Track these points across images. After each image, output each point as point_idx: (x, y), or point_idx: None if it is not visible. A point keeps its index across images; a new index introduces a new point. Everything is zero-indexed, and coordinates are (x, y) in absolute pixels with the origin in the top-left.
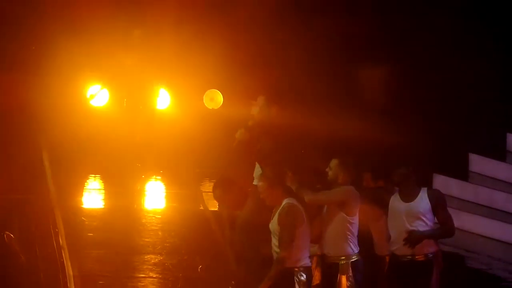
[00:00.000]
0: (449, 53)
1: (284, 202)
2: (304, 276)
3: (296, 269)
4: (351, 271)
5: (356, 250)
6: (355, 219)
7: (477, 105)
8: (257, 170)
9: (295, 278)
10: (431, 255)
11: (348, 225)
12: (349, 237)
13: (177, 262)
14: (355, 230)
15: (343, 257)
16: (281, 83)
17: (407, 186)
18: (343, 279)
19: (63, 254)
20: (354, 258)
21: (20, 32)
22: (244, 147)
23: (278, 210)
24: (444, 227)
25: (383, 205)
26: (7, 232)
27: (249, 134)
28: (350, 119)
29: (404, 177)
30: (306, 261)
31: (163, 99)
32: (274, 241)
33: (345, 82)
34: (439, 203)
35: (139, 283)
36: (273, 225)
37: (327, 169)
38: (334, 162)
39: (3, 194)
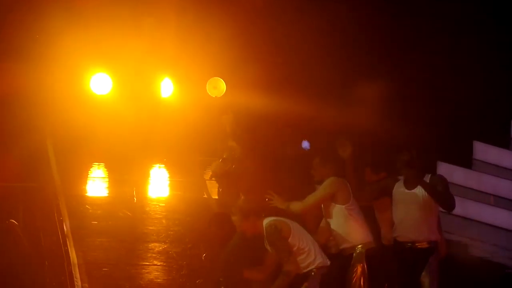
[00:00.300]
0: (454, 40)
1: (264, 224)
2: (319, 276)
3: (314, 271)
4: (365, 261)
5: (369, 237)
6: (353, 205)
7: (481, 93)
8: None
9: (310, 279)
10: (433, 243)
11: (348, 212)
12: (354, 224)
13: (181, 251)
14: (358, 216)
15: (360, 245)
16: (283, 71)
17: (410, 173)
18: (357, 267)
19: (68, 242)
20: (370, 246)
21: (24, 20)
22: (220, 179)
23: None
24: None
25: (388, 194)
26: (12, 220)
27: (224, 166)
28: (353, 110)
29: (407, 164)
30: (319, 261)
31: (167, 87)
32: None
33: (348, 72)
34: (439, 186)
35: (143, 271)
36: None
37: (311, 171)
38: (315, 161)
39: (8, 182)
